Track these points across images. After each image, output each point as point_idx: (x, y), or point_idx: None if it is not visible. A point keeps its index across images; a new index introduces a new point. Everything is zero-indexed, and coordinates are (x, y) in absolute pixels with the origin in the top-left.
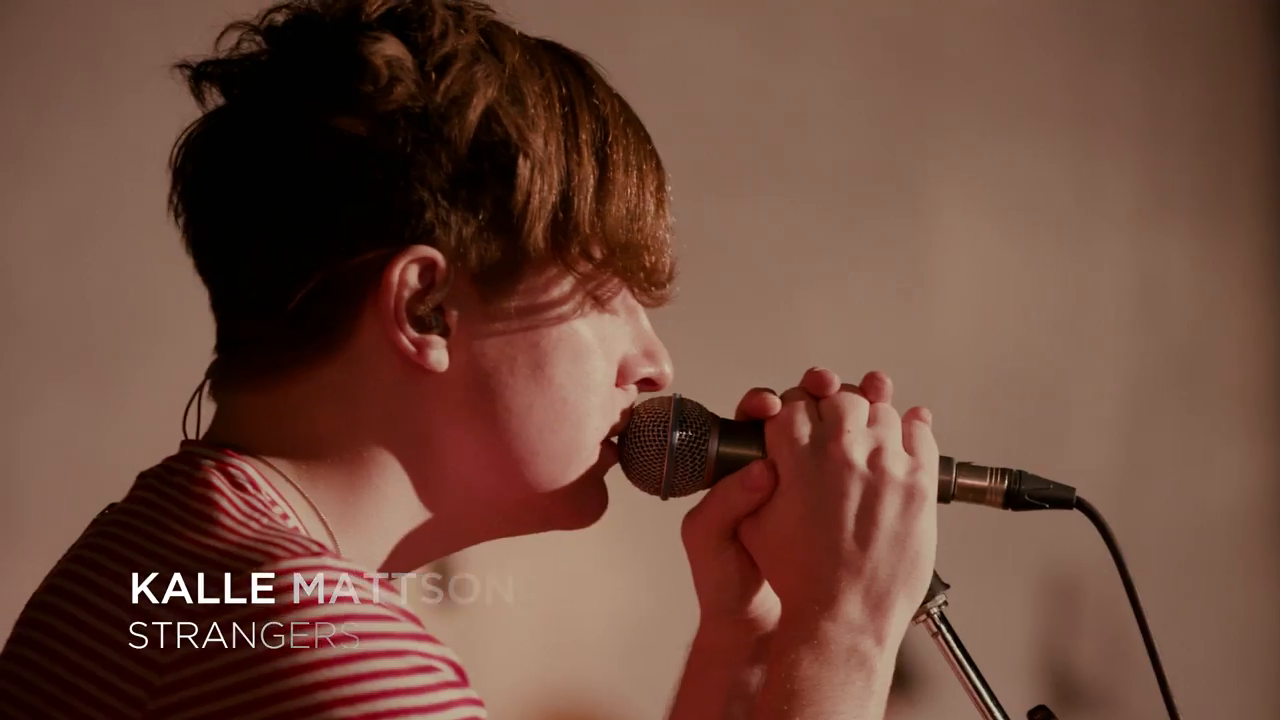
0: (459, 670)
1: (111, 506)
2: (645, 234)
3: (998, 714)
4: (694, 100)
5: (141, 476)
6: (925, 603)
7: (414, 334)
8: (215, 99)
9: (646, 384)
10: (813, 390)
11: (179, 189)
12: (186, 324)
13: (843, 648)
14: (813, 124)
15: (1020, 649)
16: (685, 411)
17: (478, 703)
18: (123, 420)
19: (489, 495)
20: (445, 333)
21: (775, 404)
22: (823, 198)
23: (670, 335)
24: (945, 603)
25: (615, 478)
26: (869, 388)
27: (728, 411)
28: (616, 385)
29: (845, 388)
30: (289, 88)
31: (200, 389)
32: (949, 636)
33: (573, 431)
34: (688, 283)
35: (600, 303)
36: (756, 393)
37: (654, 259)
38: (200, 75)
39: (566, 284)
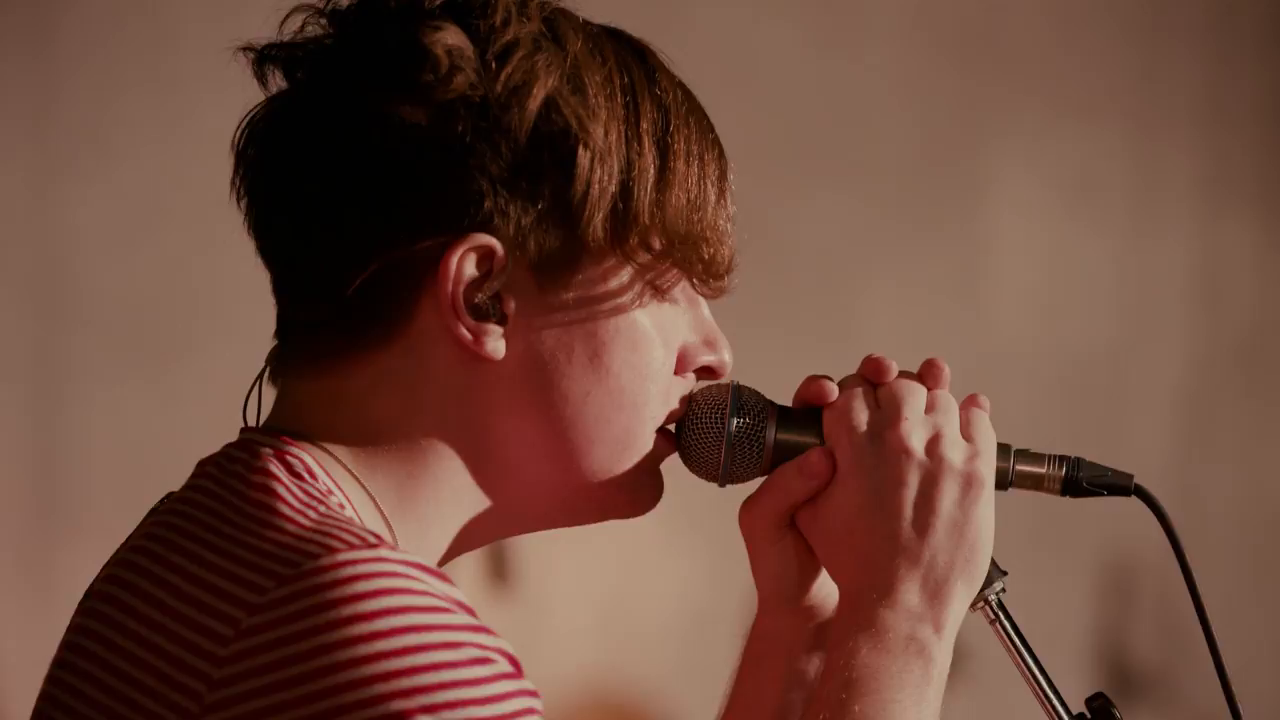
0: (515, 662)
1: (170, 495)
2: (705, 225)
3: (1055, 701)
4: (753, 92)
5: (201, 464)
6: (983, 590)
7: (471, 322)
8: (278, 82)
9: (706, 372)
10: (871, 377)
11: (241, 172)
12: (246, 312)
13: (901, 636)
14: (873, 115)
15: (1078, 637)
16: (743, 398)
17: (534, 694)
18: (181, 408)
19: (546, 484)
20: (502, 321)
21: (833, 391)
22: (883, 188)
23: (729, 324)
24: (1003, 590)
25: (672, 464)
26: (927, 375)
27: (785, 399)
28: (675, 373)
29: (903, 375)
30: (351, 74)
31: (261, 375)
32: (1007, 624)
33: (629, 420)
34: (747, 272)
35: (659, 292)
36: (814, 380)
37: (713, 250)
38: (264, 58)
39: (625, 274)
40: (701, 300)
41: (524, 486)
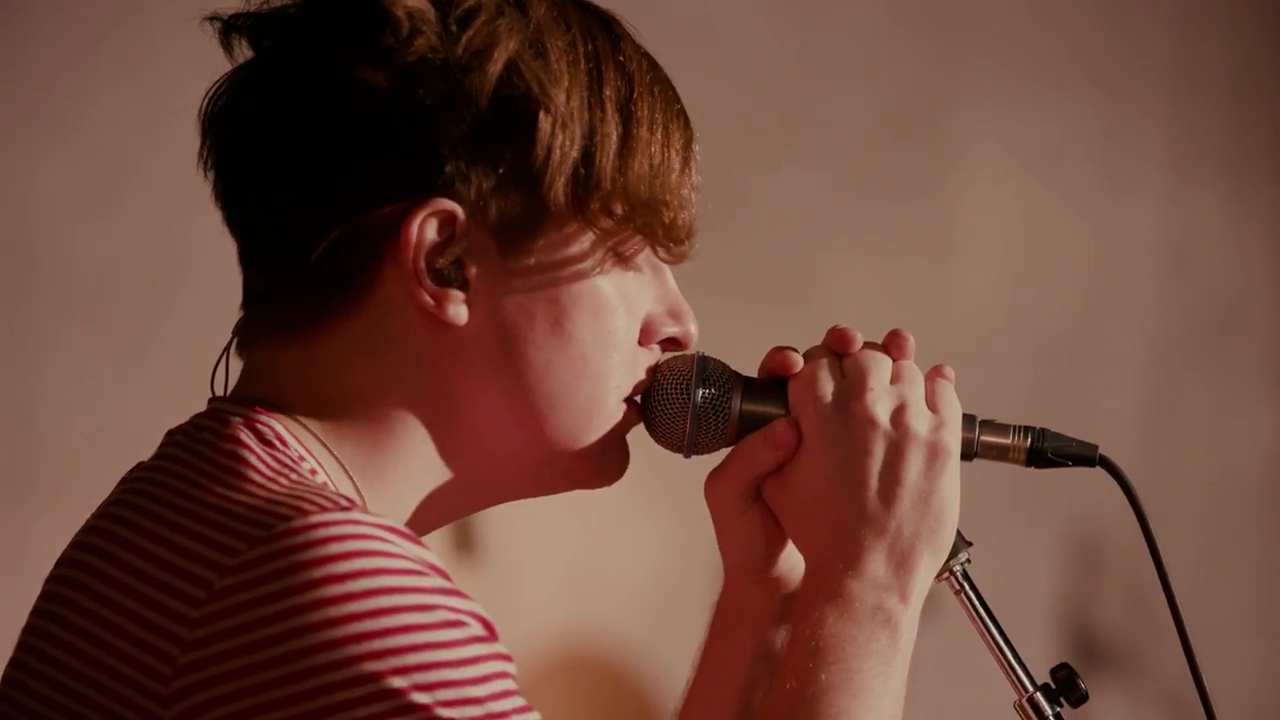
0: (488, 625)
1: (140, 465)
2: (668, 191)
3: (1020, 671)
4: (719, 61)
5: (170, 434)
6: (949, 560)
7: (433, 287)
8: (245, 52)
9: (671, 343)
10: (836, 348)
11: (207, 142)
12: (215, 283)
13: (867, 605)
14: (840, 84)
15: (1043, 607)
16: (708, 369)
17: (506, 658)
18: (149, 378)
19: (511, 452)
20: (464, 287)
21: (798, 362)
22: (850, 157)
23: (695, 294)
24: (968, 560)
25: (638, 436)
26: (892, 345)
27: (751, 370)
28: (640, 344)
29: (868, 346)
30: (315, 40)
31: (229, 346)
32: (972, 594)
33: (593, 388)
34: (714, 243)
35: (623, 260)
36: (779, 350)
37: (674, 215)
38: (230, 28)
39: (587, 240)
40: (667, 271)
41: (491, 454)
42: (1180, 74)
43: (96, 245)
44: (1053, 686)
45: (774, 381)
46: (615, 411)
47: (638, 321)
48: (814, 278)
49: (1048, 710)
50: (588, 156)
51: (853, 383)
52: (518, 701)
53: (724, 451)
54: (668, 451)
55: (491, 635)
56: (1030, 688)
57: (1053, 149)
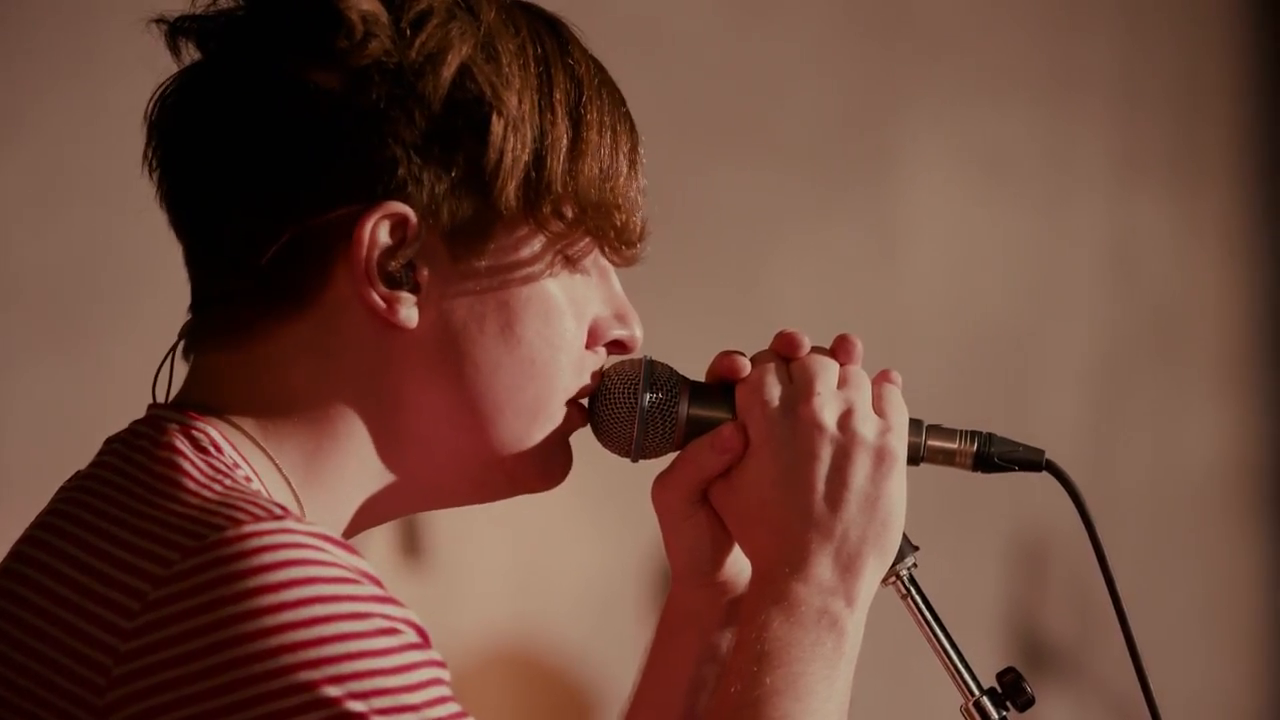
0: (422, 632)
1: (77, 474)
2: (617, 194)
3: (966, 676)
4: (664, 62)
5: (108, 442)
6: (895, 564)
7: (385, 290)
8: (191, 54)
9: (616, 346)
10: (783, 352)
11: (154, 143)
12: (164, 286)
13: (813, 609)
14: (784, 88)
15: (989, 611)
16: (655, 374)
17: (441, 664)
18: (99, 385)
19: (455, 454)
20: (415, 290)
21: (745, 366)
22: (794, 162)
23: (641, 298)
24: (915, 564)
25: (585, 439)
26: (839, 350)
27: (698, 374)
28: (587, 347)
29: (815, 350)
30: (264, 42)
31: (173, 350)
32: (918, 598)
33: (540, 390)
34: (659, 246)
35: (572, 263)
36: (727, 355)
37: (625, 218)
38: (177, 30)
39: (537, 243)
40: (613, 274)
41: (434, 457)
42: (1124, 80)
43: (42, 252)
44: (999, 690)
45: (721, 386)
46: (560, 414)
47: (585, 324)
48: (758, 280)
49: (994, 714)
50: (539, 160)
51: (800, 387)
52: (453, 708)
53: (671, 456)
54: (613, 455)
55: (426, 642)
56: (977, 691)
57: (998, 153)
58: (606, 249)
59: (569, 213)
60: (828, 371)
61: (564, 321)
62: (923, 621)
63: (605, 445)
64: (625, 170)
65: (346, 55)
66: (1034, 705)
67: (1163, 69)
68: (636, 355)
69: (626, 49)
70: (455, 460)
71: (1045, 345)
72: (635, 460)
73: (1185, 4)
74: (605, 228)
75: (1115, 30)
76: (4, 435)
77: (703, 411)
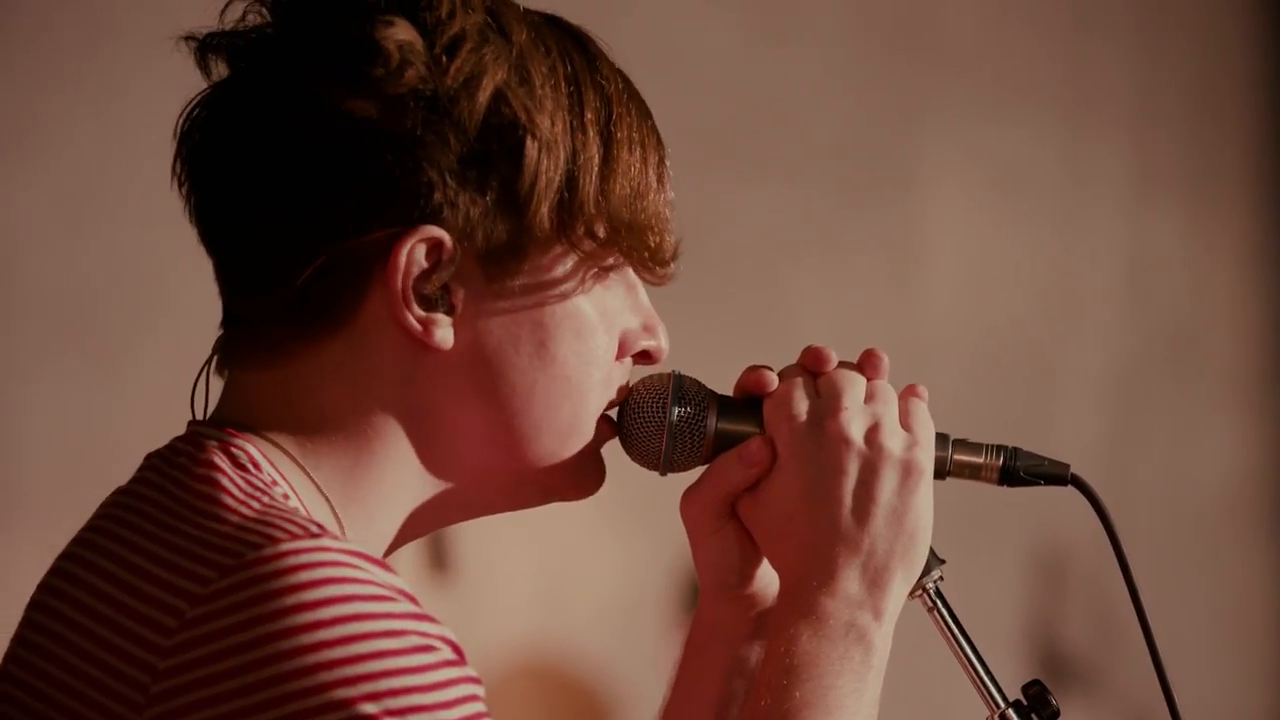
0: (457, 649)
1: (118, 490)
2: (649, 212)
3: (992, 688)
4: (686, 81)
5: (148, 458)
6: (921, 578)
7: (420, 313)
8: (221, 72)
9: (644, 357)
10: (811, 367)
11: (183, 157)
12: (191, 303)
13: (841, 622)
14: (804, 106)
15: (1013, 624)
16: (684, 388)
17: (476, 680)
18: (126, 400)
19: (491, 470)
20: (451, 311)
21: (773, 380)
22: (816, 179)
23: (668, 314)
24: (941, 578)
25: (613, 452)
26: (866, 365)
27: (726, 389)
28: (616, 359)
29: (843, 365)
30: (297, 64)
31: (206, 366)
32: (944, 611)
33: (575, 407)
34: (685, 262)
35: (602, 279)
36: (755, 369)
37: (658, 238)
38: (206, 47)
39: (570, 263)
40: (640, 286)
41: (469, 473)
42: (1140, 98)
43: (69, 269)
44: (1024, 703)
45: (749, 400)
46: (592, 427)
47: (616, 337)
48: (783, 298)
49: None
50: (571, 180)
51: (827, 401)
52: None
53: (699, 469)
54: (641, 468)
55: (461, 659)
56: (1002, 704)
57: (1015, 171)
58: (639, 268)
59: (601, 232)
60: (855, 386)
61: (596, 337)
62: (949, 634)
63: (634, 458)
64: (655, 185)
65: (383, 84)
66: (1059, 717)
67: (1178, 86)
68: (665, 369)
69: (647, 67)
70: (492, 475)
71: (1062, 360)
72: (664, 474)
73: (1201, 21)
74: (639, 248)
75: (1131, 48)
76: (28, 446)
77: (731, 425)
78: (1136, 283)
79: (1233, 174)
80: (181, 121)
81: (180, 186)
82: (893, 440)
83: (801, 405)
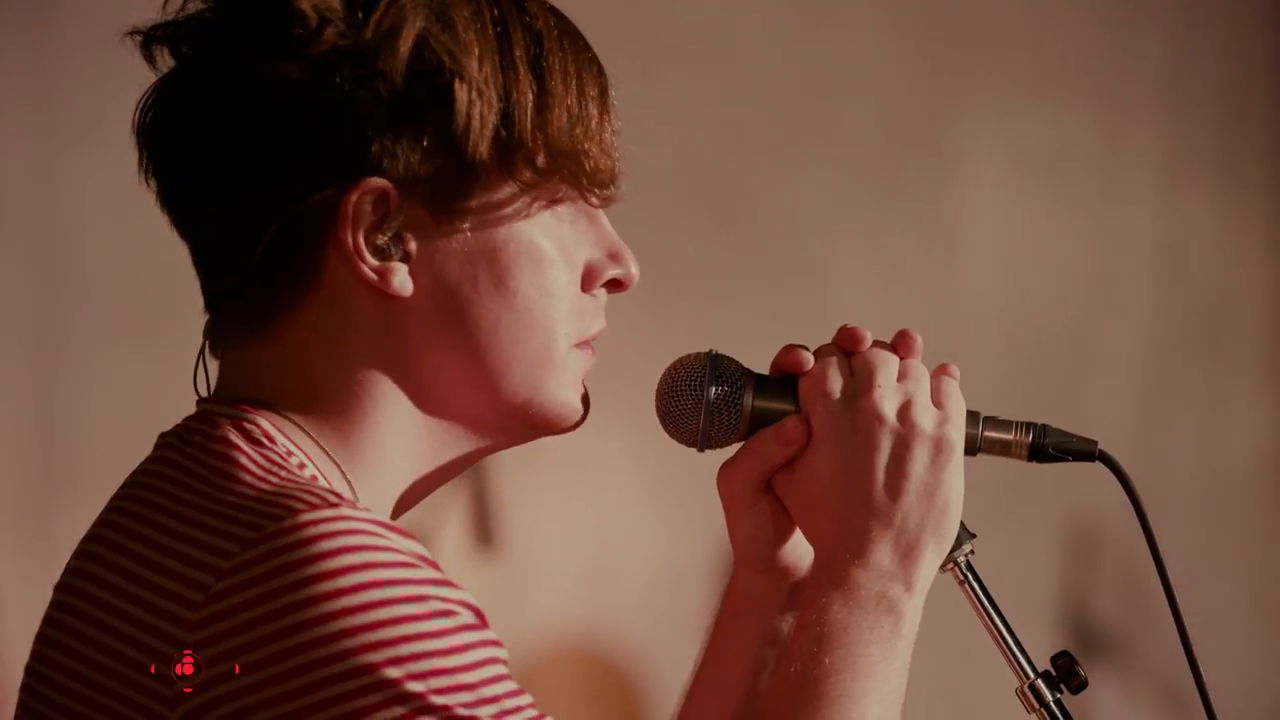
0: (478, 613)
1: (136, 470)
2: (589, 138)
3: (1022, 659)
4: (727, 71)
5: (162, 437)
6: (952, 552)
7: (374, 263)
8: (167, 62)
9: (614, 285)
10: (845, 346)
11: (143, 148)
12: None
13: (872, 594)
14: (845, 94)
15: (1042, 597)
16: (721, 367)
17: (497, 644)
18: (178, 379)
19: (477, 409)
20: (407, 259)
21: (808, 359)
22: (856, 164)
23: (707, 297)
24: (972, 551)
25: (653, 431)
26: (900, 344)
27: (763, 368)
28: (584, 290)
29: (877, 344)
30: (231, 41)
31: (202, 349)
32: (975, 584)
33: (543, 339)
34: (726, 245)
35: (556, 211)
36: (790, 349)
37: (594, 162)
38: (150, 39)
39: (516, 197)
40: (602, 216)
41: (459, 414)
42: (1174, 83)
43: (128, 252)
44: (1053, 673)
45: (785, 379)
46: (568, 358)
47: (578, 269)
48: (820, 280)
49: (1048, 696)
50: (507, 118)
51: (861, 380)
52: (510, 686)
53: (736, 446)
54: (680, 446)
55: (482, 623)
56: (1031, 674)
57: (1050, 156)
58: (582, 193)
59: (541, 162)
60: (888, 365)
61: (555, 269)
62: (979, 607)
63: (672, 435)
64: (595, 114)
65: (304, 45)
66: (1087, 688)
67: (1210, 72)
68: (703, 350)
69: (691, 57)
70: (477, 414)
71: (1097, 340)
72: (701, 450)
73: (1232, 8)
74: (577, 173)
75: (1164, 35)
76: (87, 428)
77: (767, 403)
78: (1170, 264)
79: (1264, 157)
80: (136, 116)
81: (148, 180)
82: (925, 417)
83: (836, 383)
